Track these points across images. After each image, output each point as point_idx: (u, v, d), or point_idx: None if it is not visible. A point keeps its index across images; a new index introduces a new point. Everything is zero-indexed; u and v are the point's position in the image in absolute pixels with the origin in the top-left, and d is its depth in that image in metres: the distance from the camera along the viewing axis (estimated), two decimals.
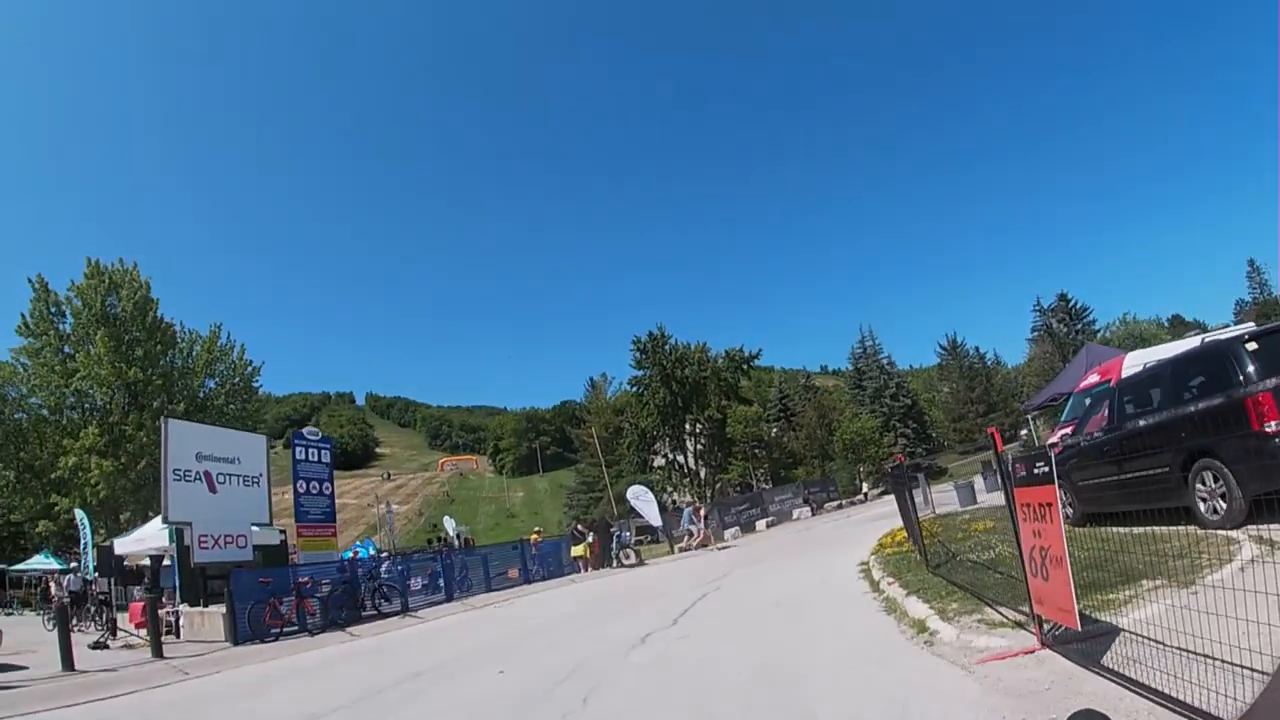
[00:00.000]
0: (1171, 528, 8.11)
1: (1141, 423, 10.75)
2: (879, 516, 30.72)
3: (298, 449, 25.77)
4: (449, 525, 63.50)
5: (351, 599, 20.99)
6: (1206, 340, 13.09)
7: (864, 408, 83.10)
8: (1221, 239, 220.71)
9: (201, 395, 49.02)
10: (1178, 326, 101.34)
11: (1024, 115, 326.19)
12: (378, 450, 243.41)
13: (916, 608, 8.52)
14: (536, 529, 38.70)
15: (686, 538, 38.95)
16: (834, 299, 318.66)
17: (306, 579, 20.47)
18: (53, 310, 45.10)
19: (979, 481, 29.82)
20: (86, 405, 45.56)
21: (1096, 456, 11.90)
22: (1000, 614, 7.37)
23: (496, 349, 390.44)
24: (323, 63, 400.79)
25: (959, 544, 12.75)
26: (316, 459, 26.17)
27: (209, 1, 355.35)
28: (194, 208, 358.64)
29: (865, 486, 62.90)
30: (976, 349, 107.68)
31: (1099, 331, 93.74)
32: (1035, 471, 6.01)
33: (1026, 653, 6.06)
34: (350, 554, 33.08)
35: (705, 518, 39.63)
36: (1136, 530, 8.17)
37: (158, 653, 17.09)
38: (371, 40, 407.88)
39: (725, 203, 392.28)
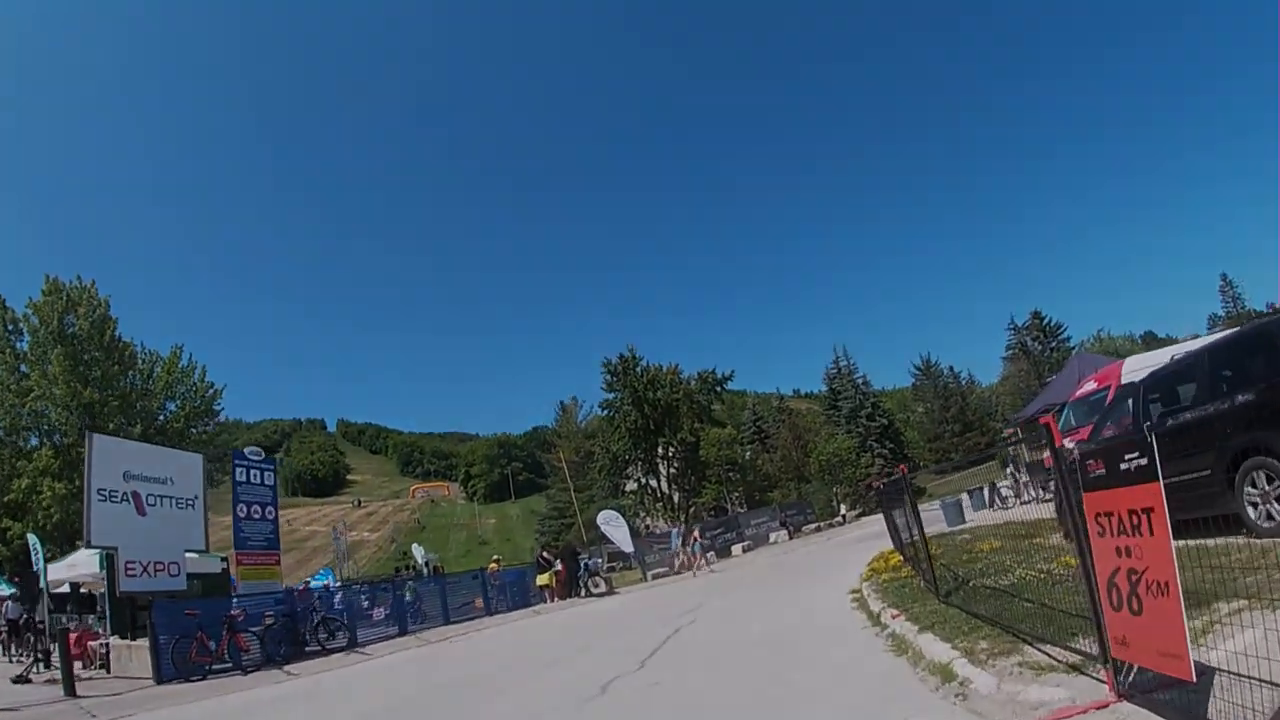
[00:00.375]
0: (1220, 539, 6.96)
1: (1172, 422, 9.30)
2: (862, 539, 29.51)
3: (238, 470, 23.74)
4: (418, 553, 62.30)
5: (292, 633, 19.16)
6: (1255, 323, 11.64)
7: (840, 428, 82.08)
8: (1193, 255, 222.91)
9: (161, 418, 47.37)
10: (1151, 343, 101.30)
11: (998, 132, 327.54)
12: (349, 477, 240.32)
13: (936, 648, 6.92)
14: (495, 557, 36.55)
15: (677, 561, 37.08)
16: (806, 323, 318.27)
17: (239, 611, 18.58)
18: (10, 328, 43.81)
19: (965, 499, 28.53)
20: (43, 426, 44.02)
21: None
22: (1045, 654, 5.86)
23: (469, 375, 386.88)
24: (308, 71, 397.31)
25: (965, 567, 11.21)
26: (259, 481, 24.11)
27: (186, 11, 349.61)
28: (161, 228, 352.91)
29: (843, 508, 61.54)
30: (951, 368, 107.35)
31: (1074, 349, 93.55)
32: (1124, 467, 4.43)
33: (1099, 707, 4.55)
34: (302, 585, 31.06)
35: (697, 539, 37.22)
36: (1178, 543, 6.69)
37: (70, 691, 15.66)
38: (348, 49, 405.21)
39: (697, 225, 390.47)
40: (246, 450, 25.58)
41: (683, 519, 66.89)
